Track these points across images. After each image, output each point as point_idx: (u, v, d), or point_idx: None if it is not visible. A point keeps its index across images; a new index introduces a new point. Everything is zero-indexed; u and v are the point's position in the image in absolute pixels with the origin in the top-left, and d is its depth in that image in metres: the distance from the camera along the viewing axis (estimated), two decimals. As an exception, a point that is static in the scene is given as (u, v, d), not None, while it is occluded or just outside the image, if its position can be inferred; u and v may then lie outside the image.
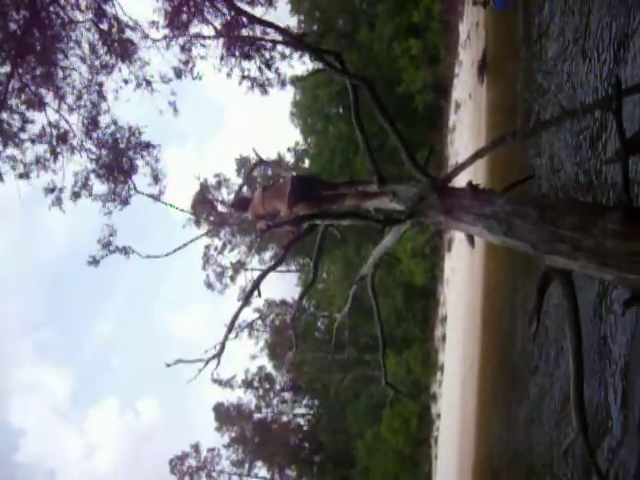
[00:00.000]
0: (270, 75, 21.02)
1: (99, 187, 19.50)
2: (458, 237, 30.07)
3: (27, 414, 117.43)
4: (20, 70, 16.86)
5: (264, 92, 21.49)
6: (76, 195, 18.96)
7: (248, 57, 19.81)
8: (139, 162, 19.85)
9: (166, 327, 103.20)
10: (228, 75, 20.05)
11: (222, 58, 19.39)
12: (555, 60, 13.03)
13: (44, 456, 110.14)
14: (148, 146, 19.93)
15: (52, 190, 18.53)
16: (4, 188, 17.75)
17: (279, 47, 20.23)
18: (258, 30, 18.88)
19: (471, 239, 5.71)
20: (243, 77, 20.61)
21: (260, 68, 20.41)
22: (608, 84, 9.05)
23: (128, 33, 18.56)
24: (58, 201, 18.70)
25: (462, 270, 31.74)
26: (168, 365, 6.95)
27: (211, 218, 37.43)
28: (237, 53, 19.48)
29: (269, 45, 19.92)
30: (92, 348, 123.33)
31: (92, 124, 18.79)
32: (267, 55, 20.22)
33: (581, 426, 4.60)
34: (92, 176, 19.12)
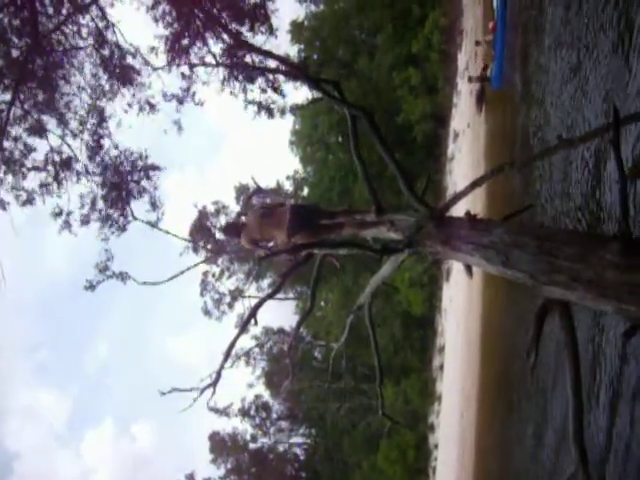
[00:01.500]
0: (275, 97, 21.00)
1: (100, 213, 19.59)
2: (456, 266, 30.03)
3: (22, 437, 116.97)
4: (21, 97, 16.93)
5: (271, 115, 21.40)
6: (85, 221, 19.01)
7: (251, 80, 19.80)
8: (144, 184, 19.92)
9: (163, 351, 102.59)
10: (232, 93, 20.00)
11: (224, 81, 19.38)
12: (554, 90, 13.10)
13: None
14: (153, 168, 19.97)
15: (59, 214, 18.60)
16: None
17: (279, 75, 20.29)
18: (259, 58, 19.00)
19: (469, 269, 5.69)
20: (248, 102, 20.58)
21: (264, 90, 20.38)
22: (607, 113, 9.09)
23: (129, 59, 18.72)
24: (66, 225, 18.76)
25: (460, 300, 31.67)
26: (163, 394, 6.90)
27: (209, 245, 37.42)
28: (240, 77, 19.48)
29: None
30: (89, 371, 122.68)
31: (95, 149, 18.87)
32: (271, 77, 20.21)
33: (580, 458, 4.54)
34: (97, 200, 19.22)
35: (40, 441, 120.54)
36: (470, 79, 27.16)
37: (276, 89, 20.53)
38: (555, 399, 11.42)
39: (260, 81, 20.04)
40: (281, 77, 20.54)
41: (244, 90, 19.97)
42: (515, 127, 17.98)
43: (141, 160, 19.64)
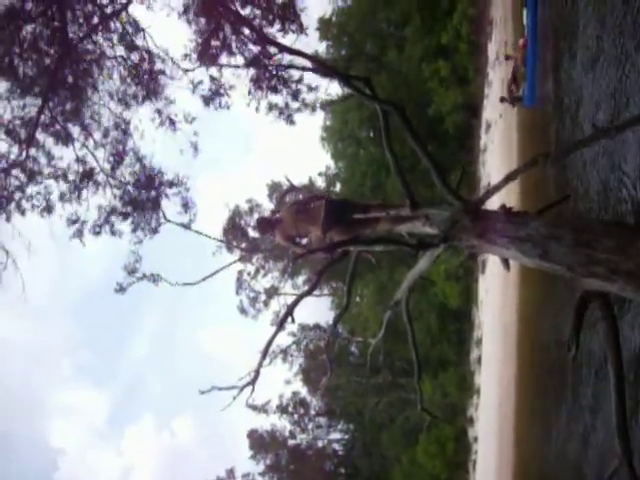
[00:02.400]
0: (297, 106, 21.29)
1: (126, 218, 19.69)
2: (492, 258, 29.79)
3: (66, 434, 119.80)
4: (50, 104, 17.13)
5: (291, 123, 21.68)
6: (98, 231, 19.09)
7: (275, 90, 20.02)
8: (166, 198, 20.06)
9: (201, 348, 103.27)
10: (257, 109, 20.36)
11: (250, 92, 19.61)
12: (588, 79, 12.93)
13: (83, 476, 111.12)
14: (173, 184, 20.05)
15: (74, 222, 18.70)
16: (43, 220, 18.04)
17: (308, 75, 20.44)
18: (288, 58, 19.07)
19: (506, 262, 5.65)
20: (270, 108, 20.89)
21: (287, 102, 20.71)
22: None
23: (158, 65, 18.85)
24: (79, 234, 18.85)
25: (496, 291, 31.44)
26: (202, 392, 6.98)
27: (243, 244, 37.61)
28: (264, 86, 19.67)
29: (297, 75, 20.17)
30: (129, 368, 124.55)
31: (118, 160, 19.02)
32: (294, 87, 20.43)
33: (625, 452, 4.49)
34: (117, 213, 19.29)
35: (82, 438, 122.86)
36: (502, 99, 26.78)
37: (297, 98, 20.78)
38: (598, 390, 11.30)
39: (283, 91, 20.27)
40: (306, 85, 20.90)
41: (267, 97, 20.23)
42: (547, 110, 17.79)
43: (160, 175, 19.69)
